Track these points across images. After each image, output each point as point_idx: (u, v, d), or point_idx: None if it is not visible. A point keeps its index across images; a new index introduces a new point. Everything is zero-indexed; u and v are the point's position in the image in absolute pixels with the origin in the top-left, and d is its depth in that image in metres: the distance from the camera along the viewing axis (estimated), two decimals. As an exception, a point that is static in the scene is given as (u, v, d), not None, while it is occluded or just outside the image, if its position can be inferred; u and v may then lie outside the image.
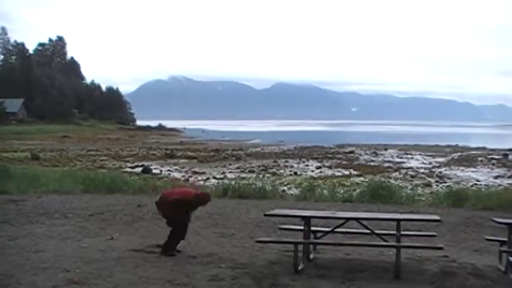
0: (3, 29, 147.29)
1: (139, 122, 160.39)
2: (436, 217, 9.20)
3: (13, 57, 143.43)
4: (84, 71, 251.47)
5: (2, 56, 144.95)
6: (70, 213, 14.42)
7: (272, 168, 39.38)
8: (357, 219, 9.16)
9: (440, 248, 8.81)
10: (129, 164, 41.68)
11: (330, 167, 41.23)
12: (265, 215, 9.76)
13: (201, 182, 28.26)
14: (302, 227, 9.18)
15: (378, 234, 9.15)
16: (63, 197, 17.56)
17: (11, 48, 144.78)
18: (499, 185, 25.46)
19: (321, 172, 37.45)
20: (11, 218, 13.56)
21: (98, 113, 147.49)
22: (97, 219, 13.67)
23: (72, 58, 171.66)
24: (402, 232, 8.95)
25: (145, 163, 41.66)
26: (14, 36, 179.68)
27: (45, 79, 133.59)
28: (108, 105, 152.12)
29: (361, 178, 31.55)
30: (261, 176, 29.98)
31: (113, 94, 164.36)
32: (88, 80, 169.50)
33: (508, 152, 53.84)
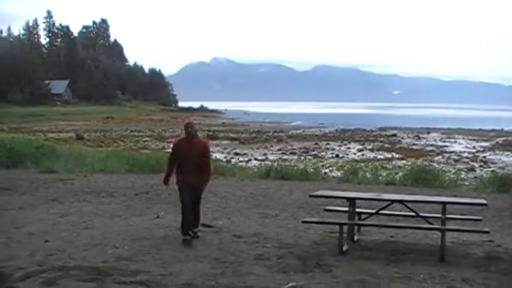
0: (49, 12, 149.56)
1: (181, 104, 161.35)
2: (483, 201, 9.11)
3: (58, 40, 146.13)
4: (127, 53, 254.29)
5: (47, 39, 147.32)
6: (116, 192, 14.74)
7: (313, 151, 39.30)
8: (402, 201, 9.13)
9: (487, 232, 8.74)
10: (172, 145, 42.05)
11: (371, 150, 40.94)
12: (310, 195, 9.80)
13: (243, 164, 28.37)
14: (346, 209, 9.21)
15: (423, 217, 9.12)
16: (109, 177, 17.94)
17: (56, 31, 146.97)
18: (547, 171, 24.82)
19: (362, 155, 37.23)
20: (59, 196, 13.96)
21: (141, 94, 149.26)
22: (142, 198, 13.96)
23: (115, 40, 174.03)
24: (447, 216, 8.92)
25: (188, 144, 41.87)
26: (59, 20, 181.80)
27: (89, 61, 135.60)
28: (151, 87, 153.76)
29: (404, 161, 31.29)
30: (302, 158, 29.96)
31: (155, 76, 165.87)
32: (131, 62, 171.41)
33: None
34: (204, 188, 9.64)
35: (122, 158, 21.72)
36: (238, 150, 38.75)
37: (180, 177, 9.33)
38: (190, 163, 9.23)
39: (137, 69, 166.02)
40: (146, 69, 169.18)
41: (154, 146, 40.58)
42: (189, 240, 9.00)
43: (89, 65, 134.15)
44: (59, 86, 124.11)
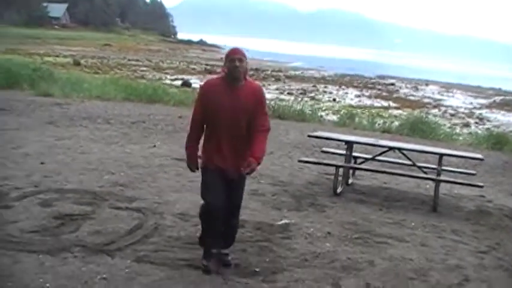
0: None
1: (180, 36, 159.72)
2: (480, 156, 9.17)
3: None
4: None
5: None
6: (112, 119, 14.70)
7: (311, 93, 39.12)
8: (399, 149, 9.18)
9: (481, 187, 8.83)
10: (169, 77, 41.83)
11: (369, 97, 40.78)
12: (308, 135, 9.81)
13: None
14: (343, 152, 9.26)
15: (419, 167, 9.20)
16: (105, 103, 17.86)
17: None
18: (542, 132, 24.90)
19: (359, 101, 37.08)
20: (56, 119, 13.87)
21: (140, 23, 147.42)
22: (139, 127, 13.93)
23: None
24: (443, 168, 8.99)
25: (185, 76, 41.75)
26: None
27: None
28: (151, 17, 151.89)
29: (400, 111, 31.23)
30: (299, 99, 29.85)
31: (156, 6, 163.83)
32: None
33: (553, 99, 52.51)
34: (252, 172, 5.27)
35: (119, 86, 21.62)
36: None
37: (207, 156, 5.26)
38: (230, 129, 5.14)
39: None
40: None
41: (152, 76, 40.18)
42: (212, 266, 5.29)
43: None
44: (57, 10, 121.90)
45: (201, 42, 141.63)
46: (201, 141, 5.35)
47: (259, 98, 5.32)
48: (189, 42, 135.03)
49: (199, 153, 5.36)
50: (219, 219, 5.19)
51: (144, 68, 48.29)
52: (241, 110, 5.14)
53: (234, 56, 5.14)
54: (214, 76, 5.72)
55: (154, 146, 11.45)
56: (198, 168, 5.38)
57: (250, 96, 5.21)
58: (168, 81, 36.76)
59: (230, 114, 5.10)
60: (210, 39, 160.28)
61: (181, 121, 14.74)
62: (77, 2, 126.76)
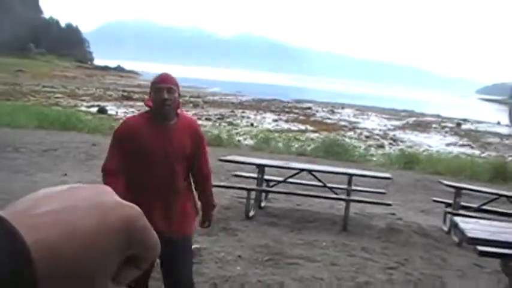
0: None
1: (97, 62, 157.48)
2: (388, 175, 9.45)
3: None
4: (43, 4, 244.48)
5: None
6: (22, 147, 14.21)
7: (229, 118, 39.29)
8: (310, 170, 9.33)
9: (389, 205, 9.09)
10: (85, 103, 41.04)
11: (286, 121, 41.31)
12: (219, 159, 9.82)
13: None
14: (256, 175, 9.31)
15: (329, 188, 9.36)
16: (16, 131, 17.27)
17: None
18: (450, 152, 25.95)
19: (277, 125, 37.50)
20: (-41, 149, 13.32)
21: (56, 49, 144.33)
22: (50, 155, 13.53)
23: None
24: (353, 188, 9.20)
25: (102, 103, 41.06)
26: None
27: (1, 10, 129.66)
28: (67, 42, 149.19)
29: (317, 134, 31.76)
30: (217, 124, 29.92)
31: (72, 31, 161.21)
32: (46, 15, 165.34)
33: (461, 122, 54.85)
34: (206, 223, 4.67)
35: (30, 113, 21.00)
36: (153, 113, 38.22)
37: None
38: (163, 182, 3.97)
39: (53, 22, 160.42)
40: (63, 24, 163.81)
41: (67, 103, 39.32)
42: None
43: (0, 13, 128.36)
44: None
45: (119, 69, 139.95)
46: None
47: (198, 136, 4.18)
48: (106, 69, 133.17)
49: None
50: None
51: (59, 95, 47.16)
52: (177, 156, 3.95)
53: (161, 85, 3.86)
54: (136, 113, 4.63)
55: (66, 174, 11.15)
56: None
57: (187, 136, 4.01)
58: (83, 108, 36.03)
59: (162, 164, 3.89)
60: (128, 65, 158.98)
61: (95, 149, 14.45)
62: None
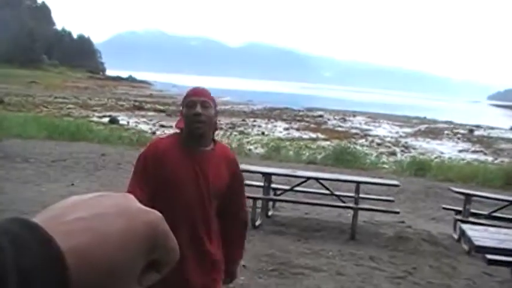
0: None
1: (109, 72, 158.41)
2: (395, 182, 9.33)
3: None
4: (56, 17, 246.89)
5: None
6: (32, 158, 14.25)
7: (240, 127, 39.27)
8: (316, 178, 9.24)
9: (397, 213, 8.98)
10: (97, 114, 41.19)
11: (297, 129, 41.24)
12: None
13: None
14: (262, 184, 9.25)
15: (337, 196, 9.26)
16: (26, 142, 17.34)
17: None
18: (462, 159, 25.75)
19: (288, 134, 37.45)
20: (-30, 159, 13.37)
21: (68, 60, 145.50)
22: (59, 165, 13.54)
23: (43, 2, 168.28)
24: (362, 195, 9.10)
25: (113, 113, 41.19)
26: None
27: (14, 22, 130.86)
28: (79, 53, 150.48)
29: (328, 142, 31.66)
30: (228, 133, 29.90)
31: (84, 42, 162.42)
32: (59, 27, 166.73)
33: (473, 128, 54.54)
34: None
35: (41, 124, 21.11)
36: (164, 123, 38.19)
37: None
38: (193, 220, 3.09)
39: (65, 33, 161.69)
40: (75, 35, 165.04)
41: (78, 114, 39.47)
42: None
43: (14, 26, 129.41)
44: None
45: (130, 79, 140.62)
46: None
47: (237, 170, 3.36)
48: (117, 79, 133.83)
49: None
50: None
51: (71, 106, 47.39)
52: (210, 193, 3.12)
53: (194, 98, 3.08)
54: (165, 134, 3.87)
55: (73, 184, 11.15)
56: None
57: (224, 168, 3.20)
58: (95, 119, 36.16)
59: (194, 196, 3.08)
60: (139, 75, 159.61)
61: (104, 159, 14.47)
62: (0, 38, 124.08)
